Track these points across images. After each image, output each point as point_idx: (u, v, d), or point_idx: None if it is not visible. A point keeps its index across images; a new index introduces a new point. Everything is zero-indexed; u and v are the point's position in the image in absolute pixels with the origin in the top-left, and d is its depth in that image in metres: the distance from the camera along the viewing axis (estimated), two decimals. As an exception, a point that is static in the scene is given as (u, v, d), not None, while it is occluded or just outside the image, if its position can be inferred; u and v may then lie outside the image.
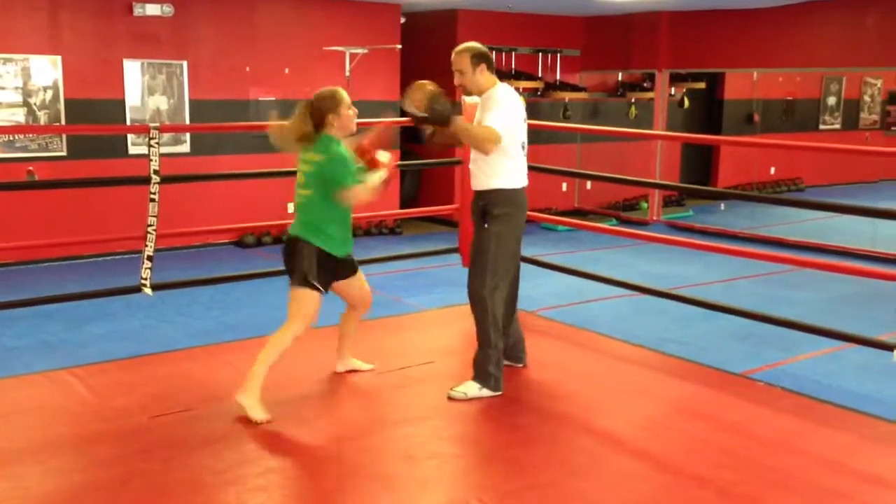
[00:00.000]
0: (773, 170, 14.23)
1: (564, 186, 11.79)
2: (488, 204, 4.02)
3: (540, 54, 11.39)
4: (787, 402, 4.12)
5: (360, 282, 4.12)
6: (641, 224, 11.27)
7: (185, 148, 9.13)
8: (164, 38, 8.89)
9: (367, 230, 9.85)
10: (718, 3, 9.98)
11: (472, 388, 4.06)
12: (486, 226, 4.01)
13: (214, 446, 3.50)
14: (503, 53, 11.14)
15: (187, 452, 3.44)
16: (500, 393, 4.07)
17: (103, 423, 3.72)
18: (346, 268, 4.01)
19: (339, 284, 4.02)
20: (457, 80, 4.04)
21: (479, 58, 3.98)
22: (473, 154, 4.06)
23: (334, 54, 9.70)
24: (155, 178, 4.56)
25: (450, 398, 4.03)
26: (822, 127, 15.03)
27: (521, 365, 4.45)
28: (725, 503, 3.11)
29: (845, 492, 3.19)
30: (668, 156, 12.04)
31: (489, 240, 4.00)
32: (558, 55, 11.59)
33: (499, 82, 4.04)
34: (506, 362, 4.27)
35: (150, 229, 4.59)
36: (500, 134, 3.87)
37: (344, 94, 3.85)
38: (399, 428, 3.79)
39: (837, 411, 4.02)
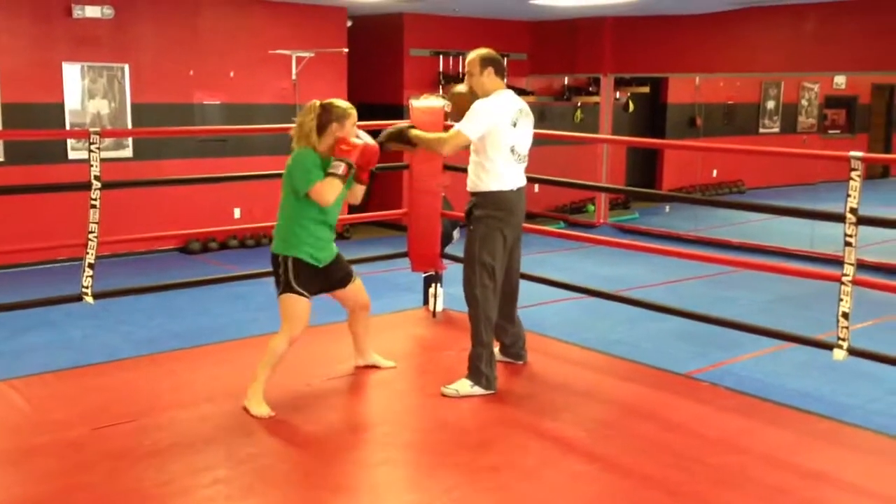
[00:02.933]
0: (714, 172, 14.51)
1: (512, 190, 11.85)
2: (473, 206, 4.19)
3: (486, 58, 11.43)
4: (731, 401, 4.19)
5: (355, 289, 4.21)
6: (588, 227, 11.40)
7: (128, 152, 8.97)
8: (105, 41, 8.73)
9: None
10: (660, 9, 10.14)
11: (465, 386, 4.13)
12: (472, 227, 4.18)
13: (160, 457, 3.43)
14: (450, 57, 11.18)
15: (131, 464, 3.37)
16: (493, 391, 4.13)
17: (43, 435, 3.62)
18: (337, 276, 4.08)
19: (335, 293, 4.14)
20: (466, 82, 4.26)
21: (487, 61, 4.16)
22: (470, 158, 4.22)
23: (280, 58, 9.62)
24: (96, 184, 4.46)
25: (443, 395, 4.11)
26: (761, 130, 15.38)
27: (521, 362, 4.55)
28: (673, 503, 3.15)
29: (788, 488, 3.26)
30: (613, 159, 12.19)
31: (474, 241, 4.16)
32: (505, 59, 11.63)
33: (502, 89, 4.17)
34: (506, 359, 4.49)
35: (91, 236, 4.49)
36: (465, 134, 4.04)
37: (355, 114, 3.93)
38: (349, 435, 3.77)
39: (779, 409, 4.10)
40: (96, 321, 6.48)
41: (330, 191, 3.79)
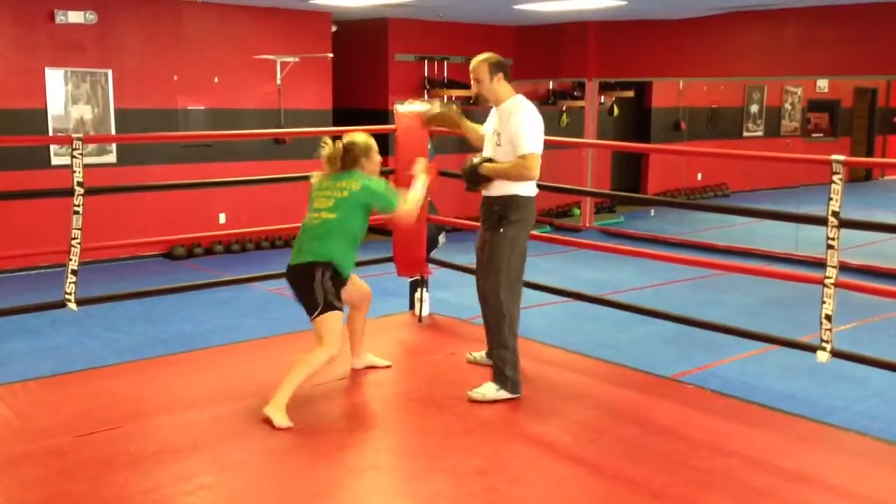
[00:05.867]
0: (699, 176, 14.58)
1: (498, 194, 11.86)
2: (506, 209, 4.10)
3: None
4: (717, 403, 4.21)
5: (356, 283, 4.24)
6: (574, 230, 11.42)
7: (112, 158, 8.92)
8: (88, 46, 8.68)
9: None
10: (644, 14, 10.18)
11: (491, 390, 4.12)
12: (501, 231, 4.09)
13: (143, 464, 3.41)
14: (435, 62, 11.19)
15: (114, 471, 3.34)
16: (518, 395, 4.13)
17: (26, 443, 3.59)
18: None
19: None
20: (474, 89, 4.17)
21: (497, 67, 4.06)
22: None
23: (265, 63, 9.61)
24: (79, 190, 4.43)
25: (470, 400, 4.08)
26: (745, 134, 15.47)
27: None
28: (658, 505, 3.16)
29: (772, 490, 3.27)
30: (599, 163, 12.23)
31: (505, 244, 4.10)
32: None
33: (515, 94, 4.12)
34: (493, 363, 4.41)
35: (74, 242, 4.46)
36: (537, 152, 4.03)
37: (373, 142, 4.05)
38: (336, 440, 3.76)
39: (764, 412, 4.12)
40: (80, 328, 6.44)
41: (413, 211, 4.04)
